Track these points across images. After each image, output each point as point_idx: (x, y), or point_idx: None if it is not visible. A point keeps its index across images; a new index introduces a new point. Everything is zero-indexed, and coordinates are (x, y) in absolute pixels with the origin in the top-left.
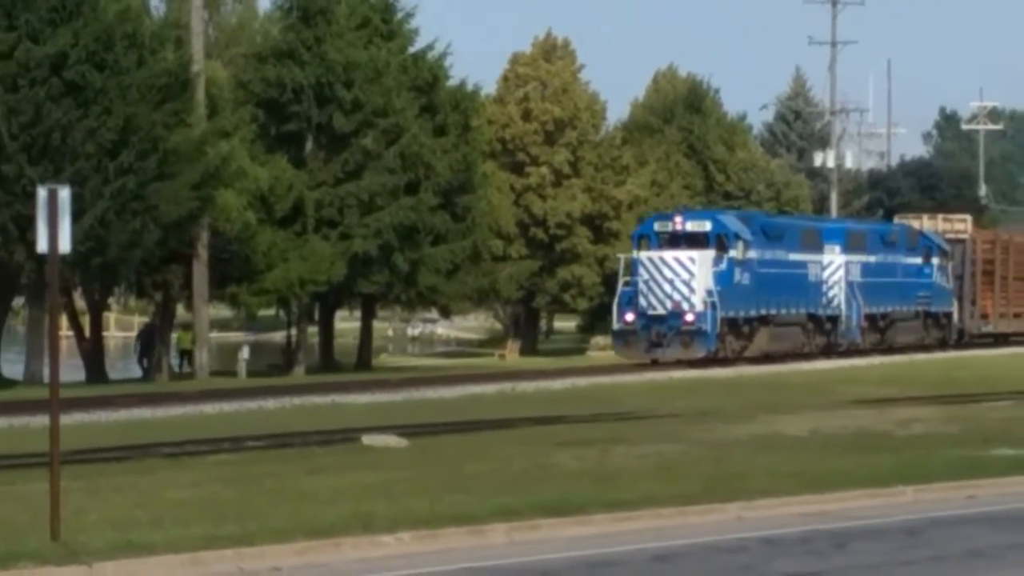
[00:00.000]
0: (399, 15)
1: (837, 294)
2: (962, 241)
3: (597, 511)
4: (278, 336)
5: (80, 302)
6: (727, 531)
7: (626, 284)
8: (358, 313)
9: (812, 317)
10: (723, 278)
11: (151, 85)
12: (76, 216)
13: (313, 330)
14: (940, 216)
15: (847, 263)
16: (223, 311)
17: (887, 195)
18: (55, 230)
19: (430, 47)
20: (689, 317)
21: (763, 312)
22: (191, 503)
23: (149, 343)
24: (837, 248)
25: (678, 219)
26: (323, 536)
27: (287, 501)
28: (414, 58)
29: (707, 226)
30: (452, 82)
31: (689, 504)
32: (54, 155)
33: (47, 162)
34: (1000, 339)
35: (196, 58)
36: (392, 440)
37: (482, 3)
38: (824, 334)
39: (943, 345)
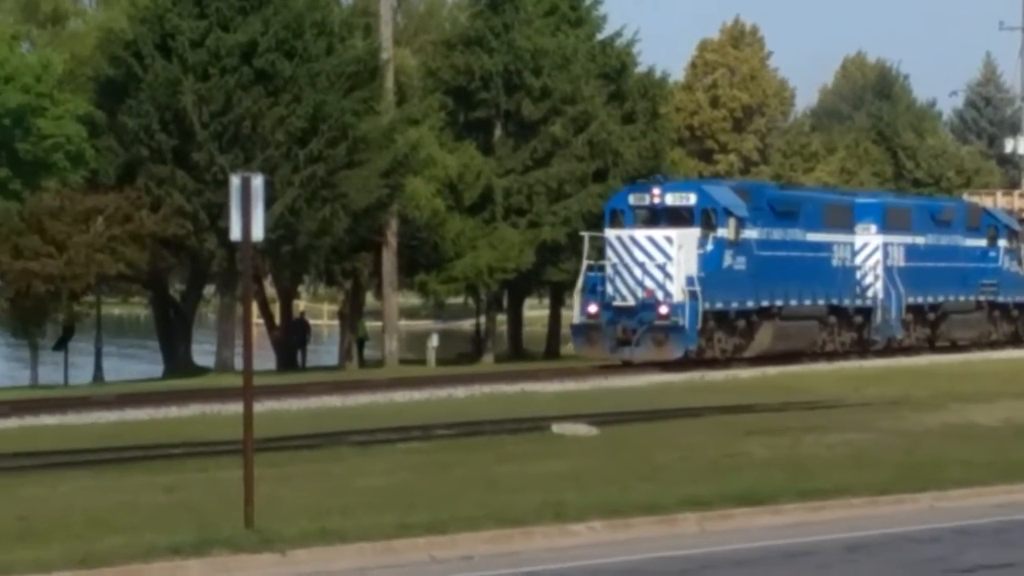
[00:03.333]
0: (587, 2)
1: (872, 282)
2: None
3: (789, 500)
4: (466, 324)
5: (270, 290)
6: (920, 521)
7: (591, 268)
8: (547, 301)
9: (835, 309)
10: (709, 262)
11: (340, 73)
12: (267, 204)
13: (501, 318)
14: (1017, 192)
15: (886, 245)
16: (411, 299)
17: None
18: (248, 218)
19: (618, 34)
20: (663, 309)
21: (766, 304)
22: (382, 491)
23: (300, 335)
24: (873, 227)
25: (656, 191)
26: (514, 525)
27: (478, 489)
28: (602, 45)
29: (691, 199)
30: (640, 69)
31: (881, 494)
32: (244, 143)
33: (237, 150)
34: None
35: (385, 46)
36: (582, 429)
37: None
38: (853, 329)
39: (1016, 341)
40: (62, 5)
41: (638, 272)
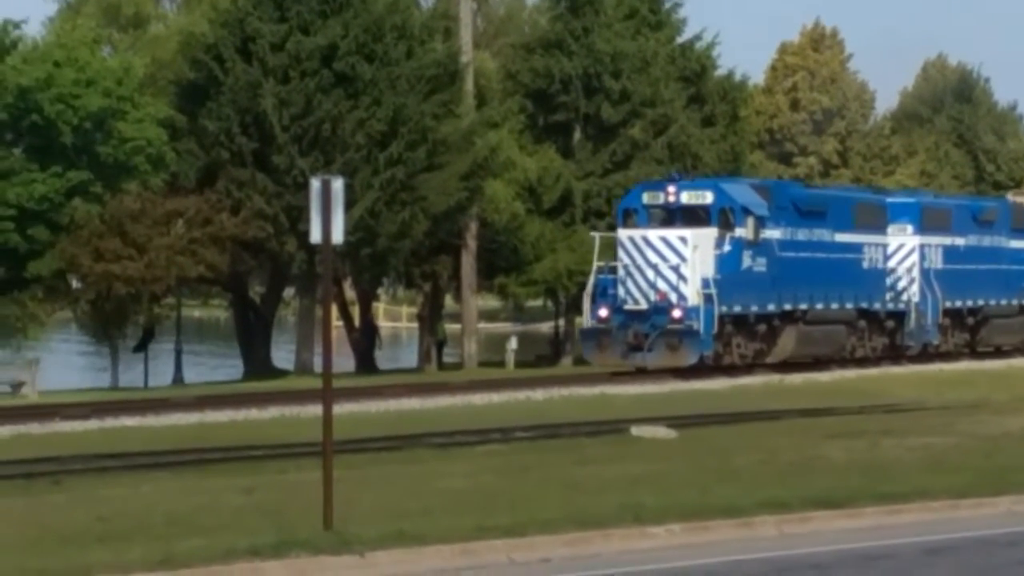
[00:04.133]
0: (667, 5)
1: (906, 285)
2: None
3: (867, 504)
4: (545, 327)
5: (350, 292)
6: (999, 525)
7: (602, 271)
8: None
9: (865, 313)
10: (727, 264)
11: (420, 76)
12: (347, 207)
13: (580, 321)
14: None
15: (922, 246)
16: (491, 301)
17: None
18: (328, 221)
19: (698, 37)
20: (676, 313)
21: (788, 307)
22: (461, 493)
23: (370, 336)
24: (909, 228)
25: (671, 189)
26: (593, 527)
27: (556, 492)
28: (682, 48)
29: (708, 198)
30: (720, 72)
31: (960, 497)
32: (324, 146)
33: (317, 153)
34: None
35: (465, 49)
36: (661, 431)
37: None
38: (885, 334)
39: None
40: (143, 9)
41: (651, 274)
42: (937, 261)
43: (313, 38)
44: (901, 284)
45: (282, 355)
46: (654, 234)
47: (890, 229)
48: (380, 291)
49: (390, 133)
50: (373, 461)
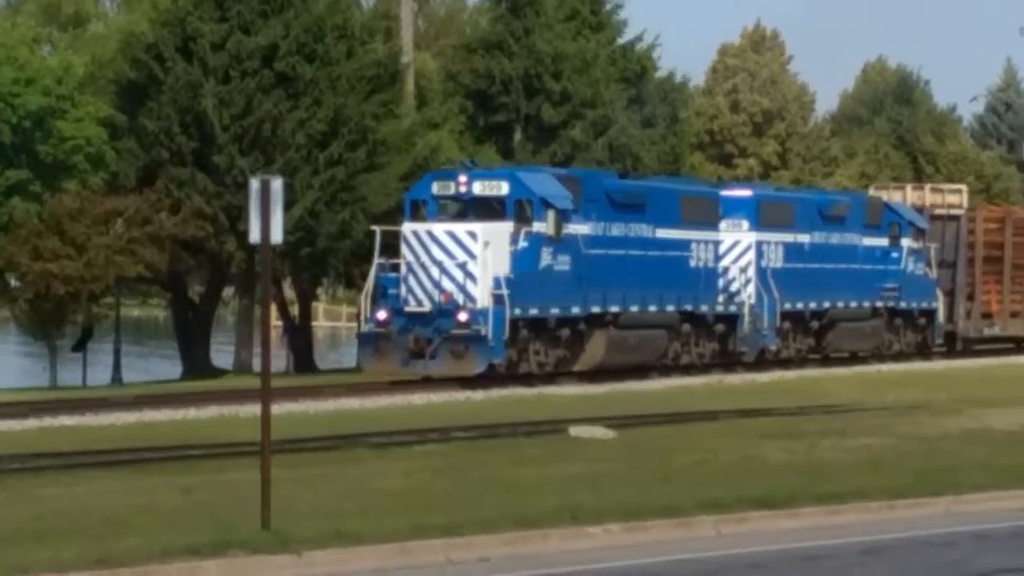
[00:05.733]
0: (608, 6)
1: (741, 285)
2: (955, 218)
3: (806, 504)
4: None
5: (289, 292)
6: (937, 525)
7: (384, 269)
8: None
9: (691, 316)
10: (523, 261)
11: (361, 76)
12: (286, 206)
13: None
14: (928, 187)
15: (759, 243)
16: None
17: None
18: (267, 220)
19: (638, 38)
20: (462, 316)
21: (597, 310)
22: (399, 493)
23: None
24: (745, 223)
25: (462, 179)
26: (531, 527)
27: (494, 491)
28: (622, 49)
29: (503, 189)
30: (660, 73)
31: (898, 498)
32: (264, 146)
33: (258, 153)
34: (1011, 344)
35: (406, 49)
36: (599, 431)
37: None
38: (715, 339)
39: (923, 352)
40: (83, 8)
41: (435, 272)
42: (776, 260)
43: (254, 38)
44: (735, 285)
45: (221, 355)
46: (440, 228)
47: (723, 225)
48: (320, 291)
49: (330, 133)
50: (311, 461)
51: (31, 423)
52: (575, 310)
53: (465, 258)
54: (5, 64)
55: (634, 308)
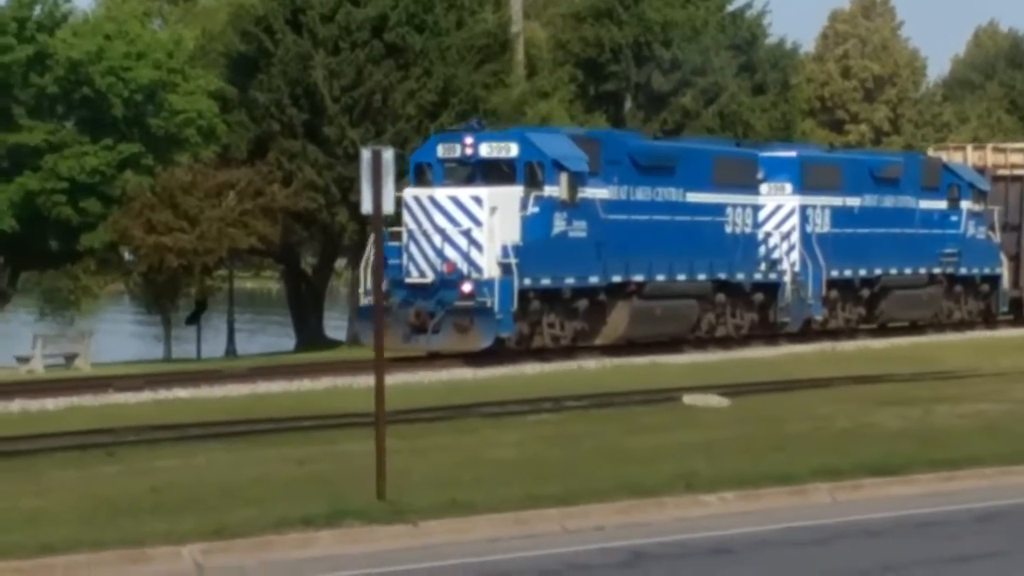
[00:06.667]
0: None
1: (784, 252)
2: (1019, 179)
3: (920, 471)
4: None
5: None
6: None
7: (385, 238)
8: None
9: (726, 285)
10: (534, 228)
11: (471, 46)
12: (397, 177)
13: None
14: (990, 146)
15: (803, 207)
16: None
17: None
18: (379, 191)
19: (748, 5)
20: (466, 287)
21: (619, 280)
22: (513, 463)
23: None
24: (788, 186)
25: (468, 140)
26: (646, 495)
27: (609, 460)
28: (732, 16)
29: (511, 150)
30: (771, 40)
31: (1013, 464)
32: (375, 117)
33: (368, 124)
34: None
35: (515, 19)
36: (713, 400)
37: None
38: (753, 309)
39: (987, 320)
40: None
41: (438, 241)
42: (823, 224)
43: (363, 9)
44: (777, 252)
45: (334, 325)
46: (443, 193)
47: (764, 188)
48: None
49: (441, 103)
50: (425, 431)
51: (146, 396)
52: (593, 279)
53: (470, 225)
54: (116, 38)
55: (660, 277)
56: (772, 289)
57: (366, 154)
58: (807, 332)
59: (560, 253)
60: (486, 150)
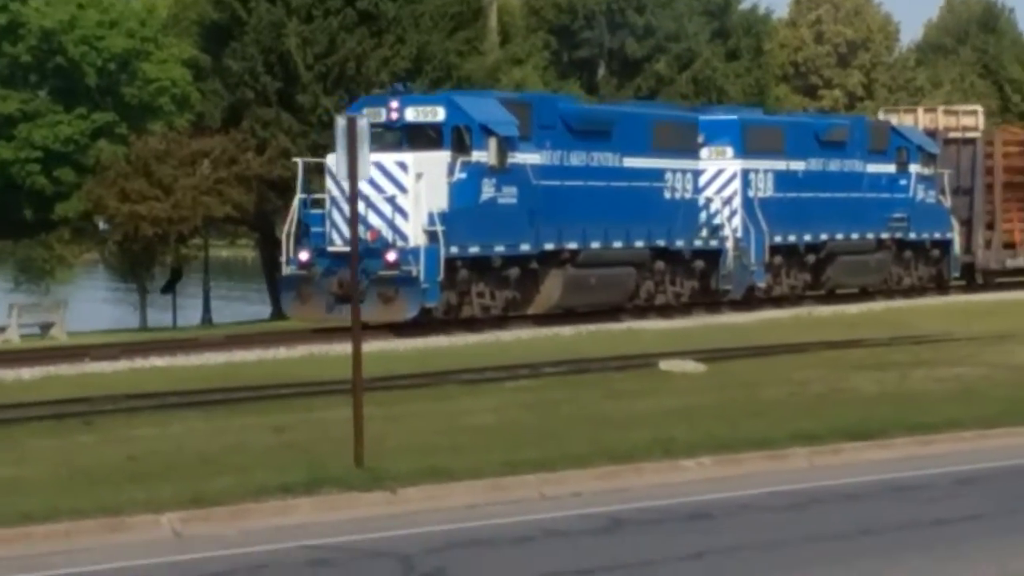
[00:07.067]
0: None
1: (725, 218)
2: (971, 142)
3: (898, 435)
4: None
5: None
6: None
7: (306, 204)
8: None
9: (665, 253)
10: (461, 195)
11: (444, 13)
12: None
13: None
14: (941, 109)
15: (745, 172)
16: None
17: None
18: (354, 159)
19: None
20: (391, 256)
21: (551, 247)
22: (491, 429)
23: None
24: (729, 151)
25: (394, 104)
26: (624, 461)
27: (586, 426)
28: None
29: (438, 115)
30: (744, 6)
31: (990, 427)
32: (349, 84)
33: (342, 91)
34: None
35: None
36: (689, 365)
37: None
38: (694, 277)
39: (940, 286)
40: None
41: (361, 208)
42: (766, 189)
43: None
44: (718, 218)
45: None
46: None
47: (704, 152)
48: None
49: (415, 71)
50: (402, 398)
51: (123, 364)
52: (525, 247)
53: (394, 191)
54: (89, 7)
55: (595, 244)
56: (713, 256)
57: (341, 121)
58: (750, 300)
59: (489, 220)
60: (412, 114)
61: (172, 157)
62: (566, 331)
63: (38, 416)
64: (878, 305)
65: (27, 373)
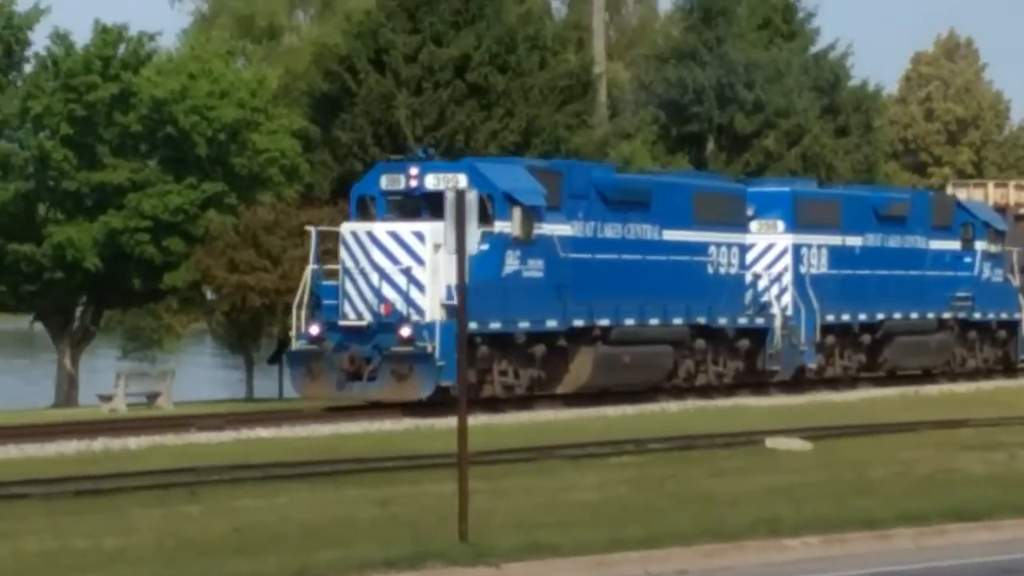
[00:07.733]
0: (800, 15)
1: (774, 295)
2: None
3: (1006, 516)
4: None
5: None
6: None
7: (319, 275)
8: None
9: (706, 330)
10: (483, 267)
11: (553, 87)
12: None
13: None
14: (1012, 184)
15: (797, 246)
16: None
17: None
18: (462, 231)
19: (831, 47)
20: (405, 331)
21: (581, 324)
22: (596, 505)
23: None
24: (780, 224)
25: (413, 171)
26: (728, 539)
27: (691, 503)
28: (815, 58)
29: (460, 182)
30: (853, 82)
31: None
32: (458, 157)
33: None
34: None
35: (598, 59)
36: (796, 443)
37: (883, 2)
38: (738, 356)
39: (1008, 369)
40: (277, 21)
41: (375, 279)
42: (819, 265)
43: (446, 49)
44: (766, 294)
45: None
46: (381, 228)
47: (754, 226)
48: None
49: (523, 144)
50: (507, 472)
51: (228, 435)
52: (552, 323)
53: (410, 263)
54: (200, 77)
55: (630, 321)
56: (760, 335)
57: (450, 195)
58: (800, 381)
59: (512, 295)
60: (432, 182)
61: (280, 228)
62: (672, 407)
63: (144, 486)
64: (988, 384)
65: (133, 442)
